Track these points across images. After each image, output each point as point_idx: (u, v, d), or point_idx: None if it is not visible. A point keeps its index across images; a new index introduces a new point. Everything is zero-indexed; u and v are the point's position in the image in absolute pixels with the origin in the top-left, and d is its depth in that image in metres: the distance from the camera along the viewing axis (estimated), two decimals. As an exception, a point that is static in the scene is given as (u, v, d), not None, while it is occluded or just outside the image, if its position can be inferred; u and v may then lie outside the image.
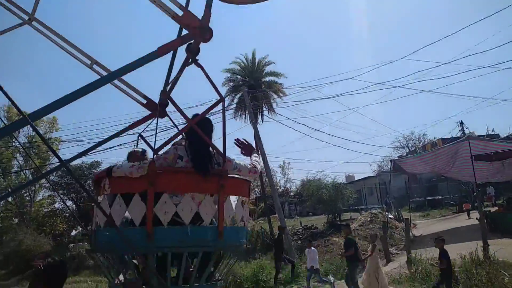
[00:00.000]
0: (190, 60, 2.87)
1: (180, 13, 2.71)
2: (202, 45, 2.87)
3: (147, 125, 3.45)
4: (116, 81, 3.92)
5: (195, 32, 2.66)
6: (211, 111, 2.98)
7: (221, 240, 2.45)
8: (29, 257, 31.10)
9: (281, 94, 31.27)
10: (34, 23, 4.49)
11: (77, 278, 22.21)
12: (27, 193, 38.08)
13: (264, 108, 31.21)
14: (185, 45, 2.85)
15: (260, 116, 30.78)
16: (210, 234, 2.46)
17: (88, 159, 33.61)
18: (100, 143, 3.20)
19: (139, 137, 3.25)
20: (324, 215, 28.85)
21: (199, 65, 2.84)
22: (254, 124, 22.66)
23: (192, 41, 2.83)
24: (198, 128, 2.75)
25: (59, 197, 37.62)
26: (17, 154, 37.76)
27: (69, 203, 32.40)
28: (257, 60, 32.10)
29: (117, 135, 3.08)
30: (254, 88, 29.66)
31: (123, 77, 3.76)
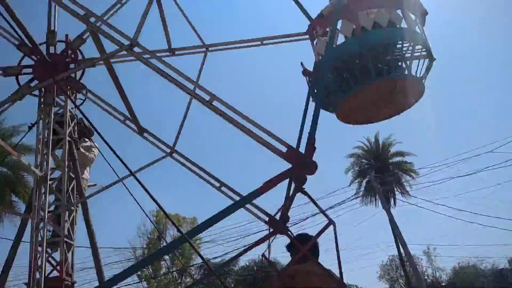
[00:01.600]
0: (298, 191, 3.25)
1: (284, 149, 3.12)
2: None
3: (270, 242, 3.71)
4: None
5: (300, 167, 3.02)
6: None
7: None
8: None
9: (413, 174, 29.44)
10: (174, 155, 5.40)
11: None
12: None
13: (396, 191, 29.53)
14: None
15: (392, 200, 29.08)
16: None
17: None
18: (230, 261, 3.55)
19: (263, 257, 3.47)
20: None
21: (305, 193, 3.22)
22: (388, 209, 21.42)
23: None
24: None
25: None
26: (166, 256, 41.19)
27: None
28: (381, 142, 31.39)
29: (243, 253, 3.34)
30: (381, 171, 28.61)
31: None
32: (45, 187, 5.44)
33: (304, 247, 2.95)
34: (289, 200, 3.51)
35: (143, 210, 5.57)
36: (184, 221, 46.80)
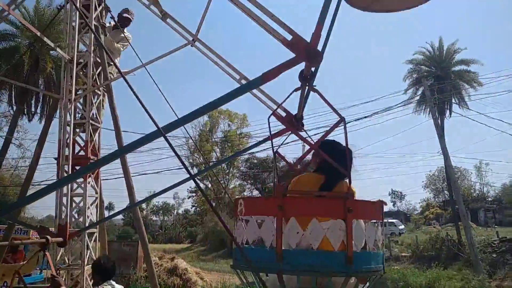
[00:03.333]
0: (307, 89, 2.91)
1: (289, 37, 2.75)
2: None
3: (284, 140, 3.59)
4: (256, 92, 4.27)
5: (303, 55, 2.66)
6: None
7: (350, 266, 2.44)
8: (222, 237, 35.61)
9: (475, 85, 27.31)
10: (197, 43, 5.17)
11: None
12: (223, 181, 43.43)
13: (454, 102, 27.84)
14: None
15: (447, 111, 27.58)
16: (337, 259, 2.47)
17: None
18: (239, 153, 3.48)
19: (276, 154, 3.35)
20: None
21: (316, 91, 2.90)
22: (436, 119, 20.42)
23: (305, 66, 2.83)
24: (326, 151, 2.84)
25: (247, 186, 41.76)
26: (215, 147, 43.43)
27: (255, 192, 35.56)
28: (445, 48, 28.82)
29: (254, 146, 3.25)
30: (441, 79, 26.75)
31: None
32: (72, 69, 5.58)
33: (315, 144, 2.87)
34: (303, 99, 3.30)
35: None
36: (235, 116, 48.19)
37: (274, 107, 4.07)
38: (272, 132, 3.17)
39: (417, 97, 28.09)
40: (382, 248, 2.79)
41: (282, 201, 2.51)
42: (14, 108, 22.52)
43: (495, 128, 57.17)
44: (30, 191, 6.28)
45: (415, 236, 26.73)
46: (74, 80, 5.52)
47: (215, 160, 42.56)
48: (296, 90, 3.05)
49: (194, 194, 51.54)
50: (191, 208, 61.52)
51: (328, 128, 3.09)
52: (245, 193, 44.54)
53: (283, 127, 3.67)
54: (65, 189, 5.85)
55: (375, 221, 2.75)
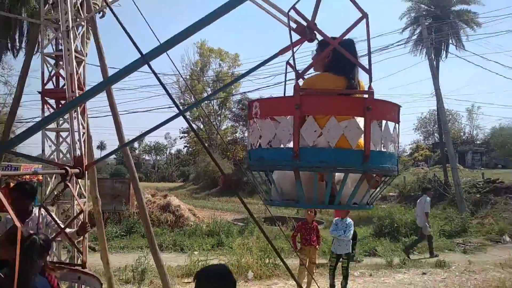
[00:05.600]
0: None
1: None
2: None
3: (296, 49, 3.39)
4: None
5: None
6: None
7: (367, 163, 2.47)
8: (214, 176, 36.24)
9: (473, 25, 26.63)
10: None
11: (250, 200, 24.81)
12: (215, 122, 43.34)
13: (450, 43, 27.27)
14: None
15: (444, 52, 27.11)
16: (354, 157, 2.51)
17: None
18: (250, 71, 3.25)
19: (287, 64, 3.17)
20: (516, 169, 24.63)
21: None
22: (431, 60, 20.08)
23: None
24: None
25: (239, 127, 41.79)
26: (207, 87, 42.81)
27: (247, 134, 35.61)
28: (446, -14, 27.70)
29: (269, 60, 3.03)
30: (440, 19, 25.99)
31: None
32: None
33: (335, 40, 2.73)
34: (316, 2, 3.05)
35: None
36: (226, 55, 47.11)
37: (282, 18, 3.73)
38: (284, 47, 3.01)
39: (415, 37, 27.47)
40: (397, 150, 2.83)
41: (300, 100, 2.49)
42: (-3, 42, 21.60)
43: (490, 70, 56.80)
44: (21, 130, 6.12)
45: (403, 177, 27.39)
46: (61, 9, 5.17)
47: (206, 100, 42.15)
48: None
49: (186, 135, 51.71)
50: (184, 148, 61.98)
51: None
52: (236, 135, 44.75)
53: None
54: (52, 125, 5.70)
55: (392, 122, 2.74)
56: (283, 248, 10.82)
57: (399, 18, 28.92)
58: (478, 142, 45.23)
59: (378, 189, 2.90)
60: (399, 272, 9.74)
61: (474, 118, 51.69)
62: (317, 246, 8.09)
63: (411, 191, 24.03)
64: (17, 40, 22.43)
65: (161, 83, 2.51)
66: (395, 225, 13.68)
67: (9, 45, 22.27)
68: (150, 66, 2.63)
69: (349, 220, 8.09)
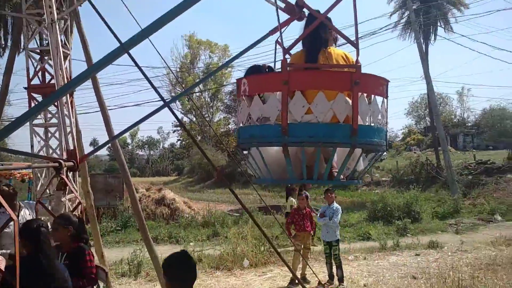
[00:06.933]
0: None
1: None
2: None
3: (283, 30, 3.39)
4: None
5: None
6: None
7: (355, 137, 2.48)
8: (209, 169, 36.22)
9: (461, 8, 26.70)
10: None
11: (245, 191, 24.92)
12: (207, 115, 43.21)
13: (439, 26, 27.35)
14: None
15: (432, 35, 27.18)
16: (343, 131, 2.52)
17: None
18: (242, 53, 3.24)
19: (276, 43, 3.16)
20: (507, 149, 24.87)
21: None
22: (420, 43, 20.13)
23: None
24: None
25: (232, 119, 41.71)
26: (197, 79, 42.50)
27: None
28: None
29: (257, 42, 3.02)
30: (428, 2, 26.01)
31: None
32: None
33: (322, 15, 2.69)
34: None
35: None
36: (216, 47, 46.81)
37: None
38: (274, 27, 3.01)
39: (403, 21, 27.49)
40: (386, 125, 2.83)
41: (288, 76, 2.47)
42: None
43: (478, 52, 56.93)
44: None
45: (396, 162, 27.59)
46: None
47: (198, 92, 41.97)
48: None
49: (179, 129, 51.53)
50: (177, 142, 61.83)
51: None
52: (229, 126, 44.67)
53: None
54: (40, 120, 5.67)
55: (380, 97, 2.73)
56: (277, 236, 10.91)
57: (387, 3, 28.95)
58: (469, 125, 45.55)
59: (367, 164, 2.89)
60: (393, 254, 9.87)
61: (465, 101, 52.07)
62: (311, 232, 8.12)
63: (404, 175, 24.23)
64: (2, 38, 22.13)
65: (142, 71, 2.52)
66: (388, 209, 13.83)
67: (-6, 43, 21.96)
68: (129, 55, 2.63)
69: (335, 205, 7.85)
